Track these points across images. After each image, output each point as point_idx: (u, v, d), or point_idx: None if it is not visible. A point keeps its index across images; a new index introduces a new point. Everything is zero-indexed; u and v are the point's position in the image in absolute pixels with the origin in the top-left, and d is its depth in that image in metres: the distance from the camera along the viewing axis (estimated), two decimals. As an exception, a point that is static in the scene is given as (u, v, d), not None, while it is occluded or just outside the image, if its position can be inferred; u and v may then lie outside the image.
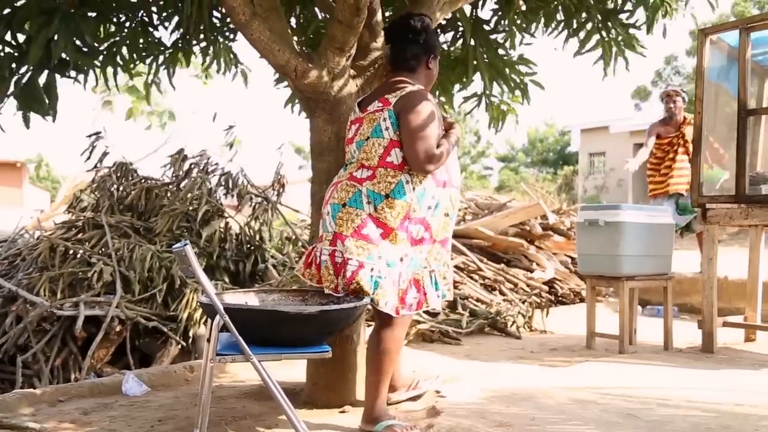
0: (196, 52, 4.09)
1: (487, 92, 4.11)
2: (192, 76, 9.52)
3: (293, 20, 3.98)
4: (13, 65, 3.07)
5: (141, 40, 3.67)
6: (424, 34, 2.74)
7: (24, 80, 3.09)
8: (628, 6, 4.04)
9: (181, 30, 3.80)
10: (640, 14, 4.07)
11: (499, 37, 4.06)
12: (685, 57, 18.24)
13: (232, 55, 4.25)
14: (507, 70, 4.05)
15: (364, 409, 2.68)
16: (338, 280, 2.58)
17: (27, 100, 3.06)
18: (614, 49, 4.09)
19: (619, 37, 4.06)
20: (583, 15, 4.02)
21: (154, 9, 3.68)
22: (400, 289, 2.57)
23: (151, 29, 3.71)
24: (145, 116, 11.03)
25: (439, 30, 4.04)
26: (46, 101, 3.09)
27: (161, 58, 3.91)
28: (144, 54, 3.78)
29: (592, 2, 3.94)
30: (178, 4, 3.58)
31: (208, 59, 4.15)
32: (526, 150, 32.66)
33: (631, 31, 4.09)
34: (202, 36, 3.93)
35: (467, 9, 3.87)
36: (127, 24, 3.57)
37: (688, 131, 5.99)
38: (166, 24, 3.79)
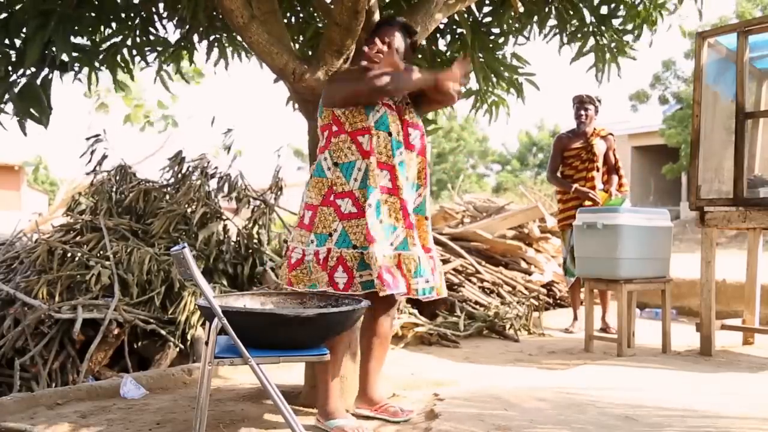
0: (199, 49, 4.08)
1: (483, 89, 4.13)
2: (186, 74, 9.51)
3: (293, 22, 3.99)
4: (10, 68, 3.07)
5: (143, 38, 3.67)
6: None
7: (21, 82, 3.09)
8: (621, 11, 4.07)
9: (185, 28, 3.81)
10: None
11: (494, 39, 4.08)
12: (683, 59, 18.26)
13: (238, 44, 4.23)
14: (502, 69, 4.07)
15: (318, 403, 2.74)
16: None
17: (24, 103, 3.05)
18: (607, 54, 4.11)
19: (612, 43, 4.08)
20: (577, 20, 4.04)
21: (154, 9, 3.68)
22: (329, 266, 2.62)
23: (152, 28, 3.71)
24: (143, 120, 11.01)
25: (438, 33, 4.06)
26: (45, 104, 3.09)
27: (165, 56, 3.92)
28: (147, 50, 3.77)
29: (586, 8, 3.97)
30: (177, 5, 3.59)
31: (212, 55, 4.13)
32: (521, 155, 32.47)
33: (624, 36, 4.12)
34: (204, 33, 3.94)
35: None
36: (129, 23, 3.56)
37: (598, 145, 5.30)
38: (168, 22, 3.80)
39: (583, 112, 5.35)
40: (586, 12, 4.00)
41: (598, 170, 5.31)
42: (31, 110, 3.07)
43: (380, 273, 2.55)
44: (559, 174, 5.46)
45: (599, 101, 5.42)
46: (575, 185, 5.26)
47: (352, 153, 2.67)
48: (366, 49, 2.76)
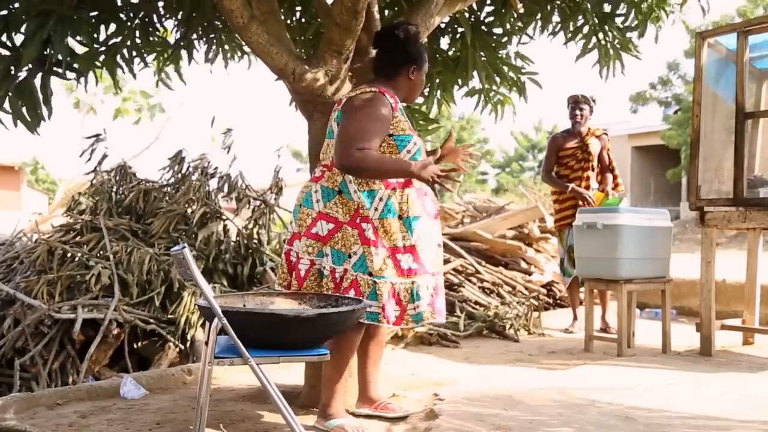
0: (198, 48, 4.08)
1: (486, 88, 4.12)
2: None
3: (293, 23, 3.98)
4: (11, 67, 3.06)
5: (143, 39, 3.66)
6: (406, 45, 2.77)
7: (19, 82, 3.08)
8: (623, 9, 4.06)
9: (184, 29, 3.80)
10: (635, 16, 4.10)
11: (497, 38, 4.08)
12: (684, 59, 18.25)
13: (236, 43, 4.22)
14: (505, 68, 4.07)
15: (320, 404, 2.74)
16: (291, 277, 2.75)
17: (18, 102, 3.04)
18: (611, 52, 4.11)
19: (615, 40, 4.08)
20: (580, 19, 4.04)
21: (157, 6, 3.68)
22: (342, 287, 2.63)
23: (152, 28, 3.71)
24: (134, 113, 10.98)
25: (439, 33, 4.05)
26: (42, 104, 3.08)
27: (164, 56, 3.92)
28: (147, 50, 3.77)
29: (588, 6, 3.96)
30: (177, 5, 3.58)
31: (211, 53, 4.13)
32: (522, 156, 32.41)
33: (627, 34, 4.11)
34: (203, 33, 3.94)
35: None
36: (129, 23, 3.56)
37: (593, 144, 5.30)
38: (168, 23, 3.80)
39: (578, 112, 5.35)
40: (589, 9, 3.99)
41: (593, 170, 5.32)
42: (23, 111, 3.05)
43: (384, 305, 2.61)
44: (554, 174, 5.47)
45: (594, 101, 5.42)
46: (571, 185, 5.25)
47: (375, 182, 2.65)
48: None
